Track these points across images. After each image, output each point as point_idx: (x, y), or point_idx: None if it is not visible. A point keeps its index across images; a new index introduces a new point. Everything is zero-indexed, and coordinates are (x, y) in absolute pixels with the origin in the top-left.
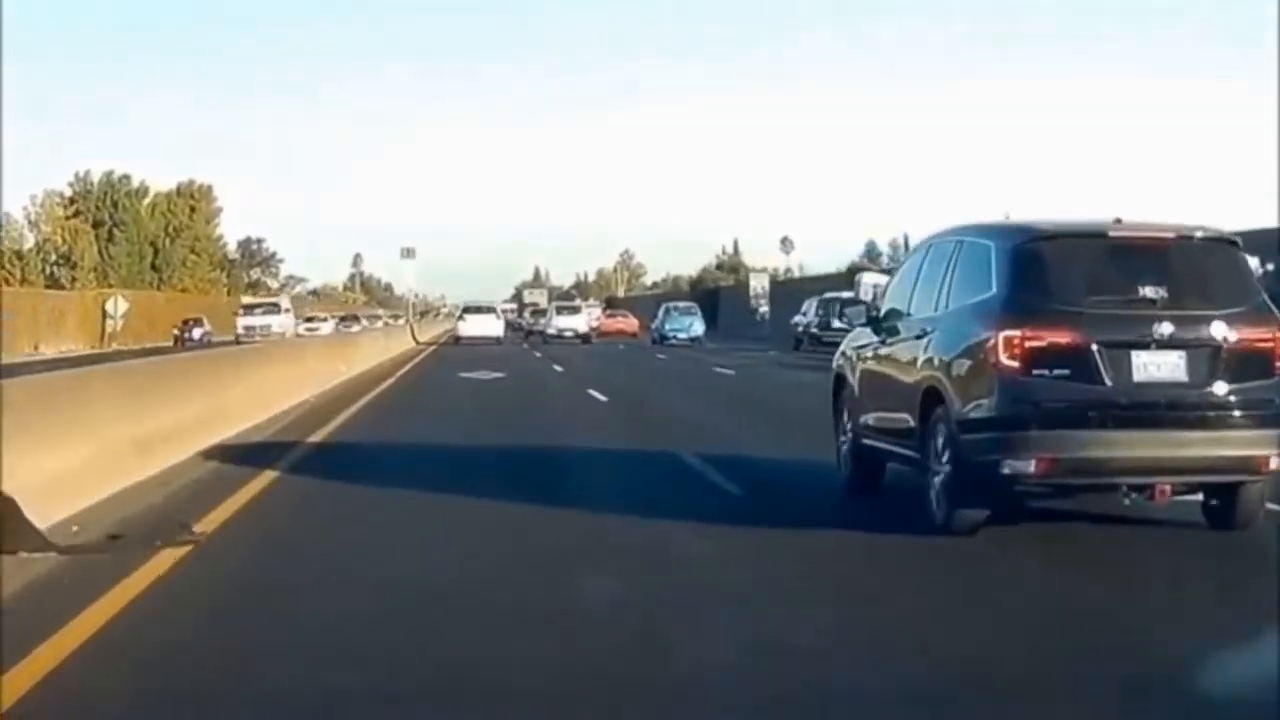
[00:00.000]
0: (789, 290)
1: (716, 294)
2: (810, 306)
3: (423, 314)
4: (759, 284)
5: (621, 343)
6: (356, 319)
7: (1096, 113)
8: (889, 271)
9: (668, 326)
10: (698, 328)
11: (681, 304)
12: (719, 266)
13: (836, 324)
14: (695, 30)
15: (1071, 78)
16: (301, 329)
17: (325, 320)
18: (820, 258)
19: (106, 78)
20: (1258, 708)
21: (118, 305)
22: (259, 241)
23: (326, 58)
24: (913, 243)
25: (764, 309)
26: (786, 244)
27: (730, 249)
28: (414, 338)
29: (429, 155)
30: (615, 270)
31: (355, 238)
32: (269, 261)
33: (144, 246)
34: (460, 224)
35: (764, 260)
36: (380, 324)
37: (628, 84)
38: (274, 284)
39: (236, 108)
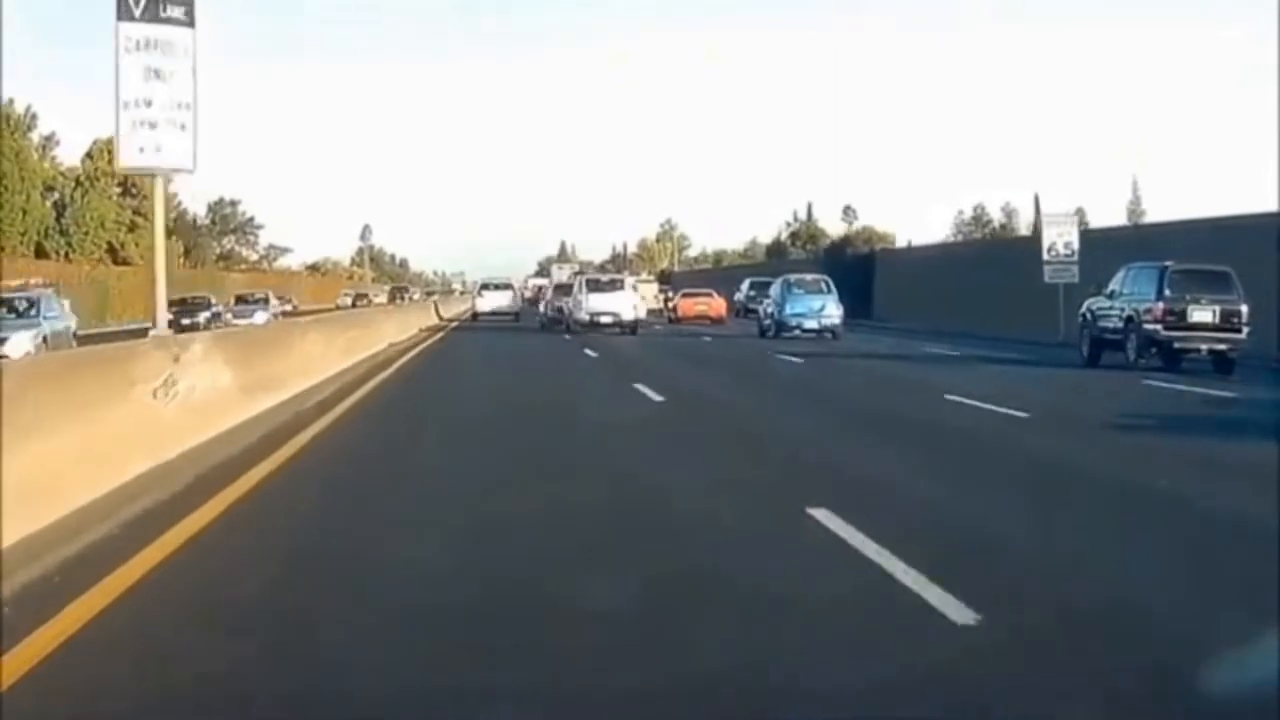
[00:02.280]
0: (918, 261)
1: (870, 262)
2: (1148, 281)
3: (420, 293)
4: (1060, 236)
5: (706, 331)
6: (365, 297)
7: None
8: None
9: (789, 310)
10: (833, 312)
11: (808, 277)
12: (793, 235)
13: (1200, 316)
14: None
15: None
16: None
17: (260, 302)
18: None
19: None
20: (1258, 708)
21: None
22: (233, 204)
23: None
24: (1045, 204)
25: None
26: (849, 213)
27: (802, 214)
28: (433, 316)
29: (443, 120)
30: (658, 241)
31: (366, 209)
32: (245, 228)
33: (31, 199)
34: (480, 197)
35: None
36: (378, 300)
37: (655, 53)
38: (252, 255)
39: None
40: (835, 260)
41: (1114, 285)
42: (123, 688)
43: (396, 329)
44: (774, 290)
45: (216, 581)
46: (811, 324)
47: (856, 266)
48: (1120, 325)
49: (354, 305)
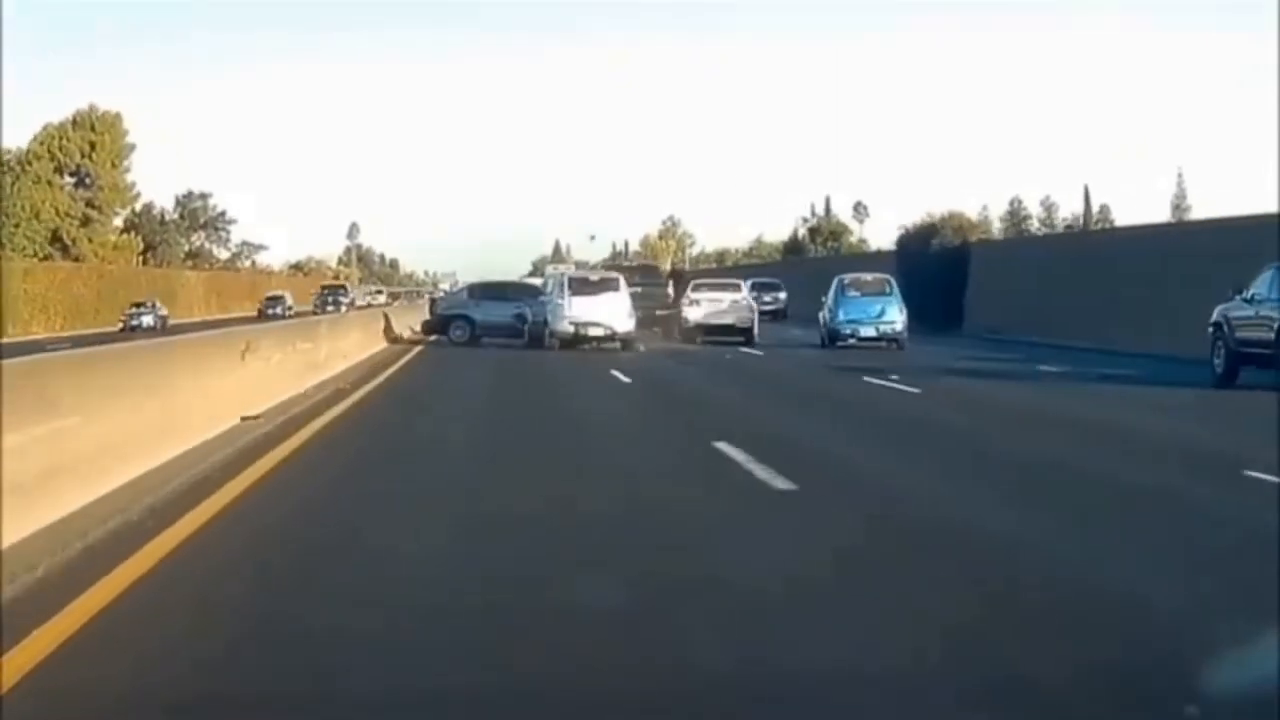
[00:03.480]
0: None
1: (964, 256)
2: None
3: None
4: None
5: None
6: (278, 299)
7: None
8: None
9: (843, 315)
10: (895, 317)
11: (866, 277)
12: (812, 231)
13: None
14: None
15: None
16: None
17: None
18: (890, 227)
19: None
20: (1258, 707)
21: None
22: (203, 197)
23: None
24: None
25: None
26: (860, 210)
27: (817, 209)
28: (400, 328)
29: (435, 117)
30: (661, 238)
31: (356, 208)
32: (215, 223)
33: None
34: (473, 197)
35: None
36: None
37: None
38: (223, 253)
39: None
40: (914, 254)
41: (1256, 288)
42: None
43: (280, 380)
44: (829, 294)
45: None
46: (869, 331)
47: (941, 262)
48: (1271, 338)
49: (260, 317)
